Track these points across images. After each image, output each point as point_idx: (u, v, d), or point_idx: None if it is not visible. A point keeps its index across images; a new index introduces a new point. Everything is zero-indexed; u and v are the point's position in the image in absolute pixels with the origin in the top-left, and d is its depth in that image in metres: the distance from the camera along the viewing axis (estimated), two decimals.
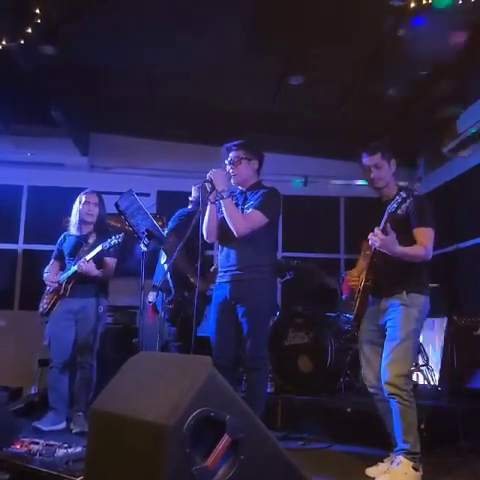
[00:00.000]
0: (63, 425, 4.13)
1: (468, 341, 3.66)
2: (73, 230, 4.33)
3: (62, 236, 4.45)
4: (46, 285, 4.36)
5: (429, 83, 4.75)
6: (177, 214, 4.29)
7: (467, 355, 3.63)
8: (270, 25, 4.19)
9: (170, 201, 5.96)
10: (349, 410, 3.93)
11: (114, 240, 3.90)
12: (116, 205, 3.69)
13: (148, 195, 6.28)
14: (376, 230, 2.94)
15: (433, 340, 4.47)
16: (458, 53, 4.24)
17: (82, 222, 4.29)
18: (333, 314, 5.06)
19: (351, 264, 6.21)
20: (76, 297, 4.17)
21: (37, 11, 3.70)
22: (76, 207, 4.33)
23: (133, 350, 5.43)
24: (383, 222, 2.91)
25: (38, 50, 4.28)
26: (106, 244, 3.92)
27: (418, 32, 3.94)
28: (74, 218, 4.34)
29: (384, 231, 2.90)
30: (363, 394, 4.19)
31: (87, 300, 4.19)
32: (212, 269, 4.03)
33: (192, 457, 1.67)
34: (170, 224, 4.18)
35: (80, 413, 4.07)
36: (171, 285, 3.88)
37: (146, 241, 3.56)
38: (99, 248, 3.96)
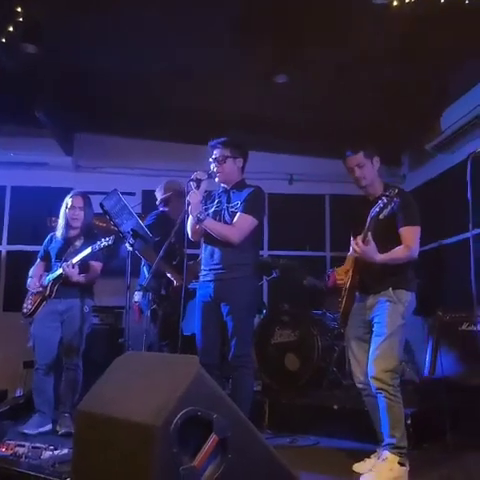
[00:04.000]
0: (49, 427, 4.10)
1: (453, 337, 3.69)
2: (60, 233, 4.30)
3: (49, 237, 4.42)
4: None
5: (412, 81, 4.77)
6: (151, 215, 4.39)
7: (453, 351, 3.66)
8: (255, 24, 4.17)
9: (155, 200, 5.94)
10: (336, 407, 3.95)
11: (104, 242, 3.84)
12: (101, 205, 3.67)
13: (133, 194, 6.25)
14: (358, 239, 2.98)
15: (418, 336, 4.49)
16: (441, 50, 4.27)
17: (68, 225, 4.27)
18: (319, 312, 5.07)
19: (337, 262, 6.28)
20: (61, 298, 4.14)
21: (19, 9, 3.66)
22: (63, 210, 4.31)
23: (119, 350, 5.46)
24: (365, 229, 2.93)
25: (20, 49, 4.22)
26: (96, 246, 3.87)
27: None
28: (61, 221, 4.32)
29: (364, 241, 2.93)
30: (349, 391, 4.24)
31: (72, 301, 4.16)
32: (192, 262, 4.03)
33: (180, 457, 1.67)
34: (145, 222, 4.19)
35: (66, 414, 4.04)
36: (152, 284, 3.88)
37: (131, 241, 3.54)
38: (88, 250, 3.92)
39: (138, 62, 4.77)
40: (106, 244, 3.87)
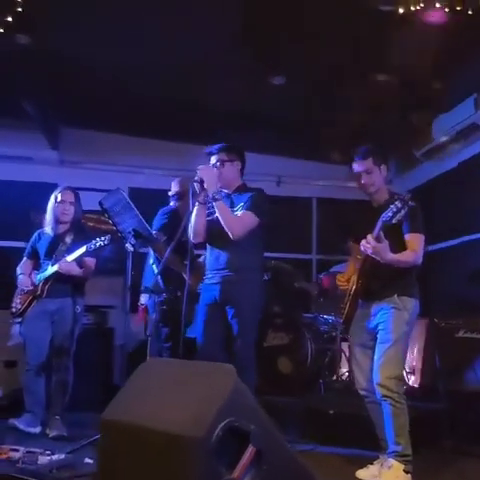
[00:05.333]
0: (38, 429, 3.97)
1: (449, 343, 3.74)
2: (48, 229, 4.17)
3: (36, 234, 4.28)
4: (17, 285, 4.21)
5: (405, 87, 4.81)
6: (161, 212, 4.21)
7: (449, 357, 3.70)
8: (251, 24, 4.14)
9: (142, 198, 5.85)
10: (332, 411, 3.94)
11: (100, 242, 3.74)
12: (100, 203, 3.60)
13: None
14: (369, 237, 2.95)
15: (412, 342, 4.54)
16: (435, 60, 4.32)
17: (57, 221, 4.14)
18: (310, 315, 5.08)
19: (323, 265, 6.35)
20: (52, 297, 4.02)
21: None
22: (51, 205, 4.16)
23: (108, 351, 5.40)
24: (377, 230, 2.92)
25: (12, 39, 4.10)
26: (91, 246, 3.77)
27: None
28: (49, 216, 4.17)
29: (377, 239, 2.92)
30: (343, 395, 4.25)
31: (64, 300, 4.05)
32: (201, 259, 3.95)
33: (218, 469, 1.63)
34: (156, 223, 4.09)
35: (57, 417, 3.94)
36: (162, 285, 3.79)
37: (133, 241, 3.47)
38: (83, 249, 3.81)
39: (128, 58, 4.68)
40: (102, 244, 3.77)
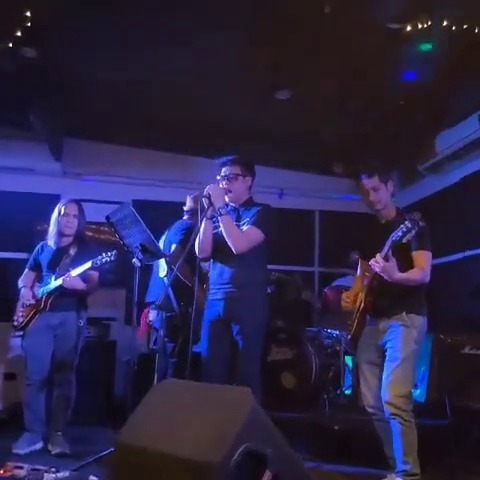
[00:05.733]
0: (40, 445, 3.91)
1: (455, 360, 3.73)
2: (51, 242, 4.13)
3: (40, 246, 4.23)
4: (19, 297, 4.15)
5: (409, 103, 4.84)
6: (178, 227, 4.23)
7: (454, 374, 3.69)
8: (260, 40, 4.16)
9: (146, 210, 5.85)
10: (337, 428, 3.92)
11: (106, 258, 3.70)
12: (107, 217, 3.59)
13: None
14: (377, 256, 2.96)
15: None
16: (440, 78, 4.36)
17: (61, 234, 4.09)
18: (314, 329, 5.07)
19: (325, 277, 6.35)
20: (55, 311, 3.96)
21: (28, 14, 3.56)
22: (54, 217, 4.11)
23: (109, 364, 5.36)
24: (386, 249, 2.93)
25: (21, 53, 4.12)
26: (97, 261, 3.73)
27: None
28: (52, 229, 4.13)
29: (386, 258, 2.93)
30: (347, 410, 4.23)
31: (67, 314, 3.99)
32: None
33: None
34: (174, 237, 4.08)
35: (59, 433, 3.88)
36: (173, 301, 3.77)
37: (140, 256, 3.46)
38: (89, 265, 3.77)
39: (131, 72, 4.72)
40: (108, 260, 3.73)
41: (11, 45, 3.71)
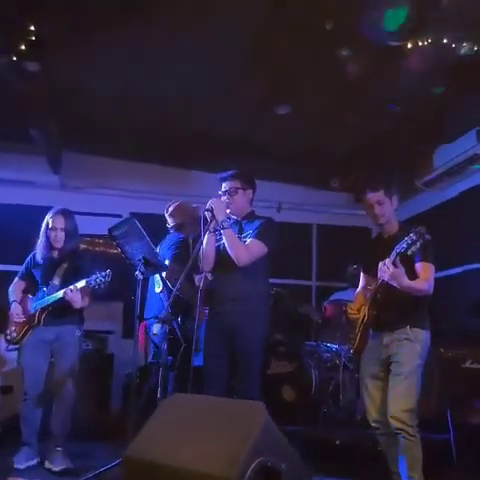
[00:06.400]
0: (36, 460, 3.83)
1: (456, 374, 3.73)
2: (40, 254, 4.02)
3: (31, 255, 4.12)
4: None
5: (407, 117, 4.88)
6: (170, 241, 4.20)
7: (456, 388, 3.69)
8: (257, 55, 4.19)
9: (143, 223, 5.86)
10: (338, 442, 3.91)
11: (100, 278, 3.64)
12: (109, 230, 3.57)
13: (120, 216, 6.13)
14: (387, 261, 2.95)
15: None
16: (439, 92, 4.40)
17: (50, 247, 3.99)
18: (313, 343, 5.06)
19: (323, 291, 6.35)
20: (51, 325, 3.89)
21: (32, 28, 3.58)
22: (43, 229, 4.02)
23: (107, 377, 5.32)
24: (393, 257, 2.93)
25: (23, 66, 4.12)
26: (91, 281, 3.66)
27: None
28: (40, 241, 4.03)
29: (394, 264, 2.93)
30: (348, 424, 4.22)
31: (65, 327, 3.92)
32: None
33: None
34: (167, 252, 4.07)
35: (59, 448, 3.79)
36: (172, 315, 3.76)
37: (142, 269, 3.45)
38: (83, 284, 3.70)
39: (131, 86, 4.74)
40: (102, 281, 3.66)
41: (15, 58, 3.74)
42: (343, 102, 4.83)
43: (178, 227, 4.34)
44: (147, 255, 3.48)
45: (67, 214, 4.04)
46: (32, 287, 4.10)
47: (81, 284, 3.73)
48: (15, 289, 4.12)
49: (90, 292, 3.93)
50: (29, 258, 4.16)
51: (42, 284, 3.98)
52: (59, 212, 4.03)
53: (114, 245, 3.66)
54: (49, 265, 4.01)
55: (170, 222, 4.41)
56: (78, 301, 3.81)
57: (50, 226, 3.97)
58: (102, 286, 3.70)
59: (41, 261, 4.04)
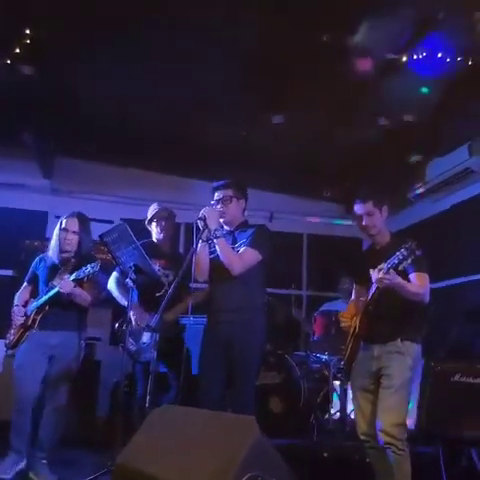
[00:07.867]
0: (23, 463, 3.64)
1: (445, 387, 3.71)
2: (51, 254, 3.89)
3: (38, 258, 3.99)
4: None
5: (404, 131, 4.90)
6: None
7: (445, 401, 3.67)
8: (253, 65, 4.20)
9: (133, 229, 5.84)
10: (326, 454, 3.88)
11: (89, 269, 3.49)
12: (100, 236, 3.52)
13: (111, 222, 6.09)
14: (379, 266, 2.89)
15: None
16: (432, 106, 4.43)
17: (60, 249, 3.83)
18: (302, 353, 5.04)
19: (313, 301, 6.34)
20: (51, 329, 3.70)
21: (27, 31, 3.56)
22: (56, 230, 3.89)
23: (94, 385, 5.26)
24: (386, 268, 2.89)
25: (19, 70, 4.10)
26: (80, 273, 3.51)
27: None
28: (53, 242, 3.89)
29: (388, 273, 2.89)
30: (336, 436, 4.19)
31: (68, 333, 3.74)
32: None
33: None
34: None
35: (44, 461, 3.64)
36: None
37: (133, 276, 3.42)
38: (73, 276, 3.55)
39: (126, 92, 4.72)
40: (91, 271, 3.50)
41: (9, 62, 3.71)
42: (337, 114, 4.84)
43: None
44: (138, 262, 3.45)
45: (82, 219, 3.90)
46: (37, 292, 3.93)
47: (71, 277, 3.56)
48: (21, 294, 3.98)
49: (93, 293, 3.79)
50: (36, 261, 4.01)
51: (44, 284, 3.81)
52: (74, 215, 3.89)
53: (104, 251, 3.62)
54: (53, 267, 3.84)
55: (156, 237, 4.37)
56: (77, 293, 3.64)
57: (63, 226, 3.83)
58: (90, 277, 3.56)
59: (47, 263, 3.91)
